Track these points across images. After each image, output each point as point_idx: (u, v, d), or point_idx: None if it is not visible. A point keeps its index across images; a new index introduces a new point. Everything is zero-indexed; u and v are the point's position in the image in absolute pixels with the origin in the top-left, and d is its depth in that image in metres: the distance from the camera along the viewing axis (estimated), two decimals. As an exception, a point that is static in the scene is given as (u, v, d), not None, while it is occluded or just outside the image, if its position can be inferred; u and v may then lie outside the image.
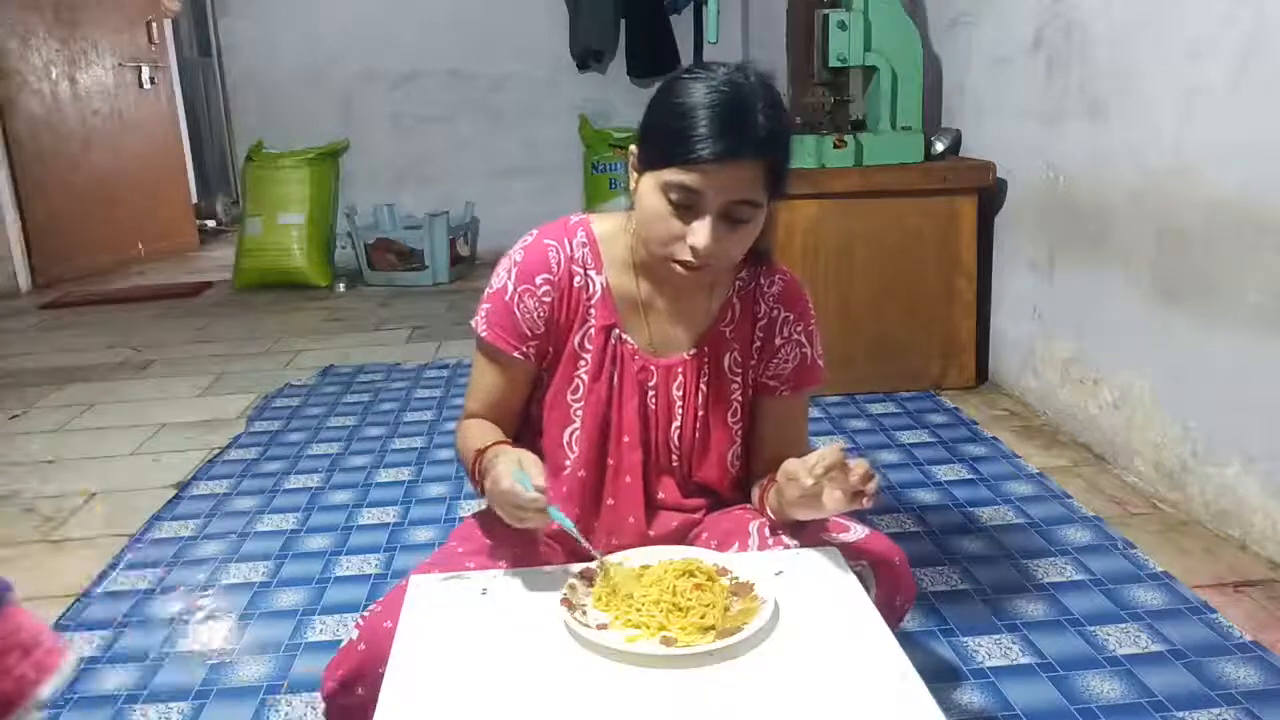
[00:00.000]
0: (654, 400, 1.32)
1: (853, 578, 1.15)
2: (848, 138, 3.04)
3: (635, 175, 1.23)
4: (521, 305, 1.29)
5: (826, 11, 3.03)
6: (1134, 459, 2.46)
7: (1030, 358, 2.99)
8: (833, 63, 3.02)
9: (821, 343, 1.42)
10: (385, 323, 4.44)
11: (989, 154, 3.10)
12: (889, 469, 2.56)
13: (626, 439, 1.31)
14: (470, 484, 1.29)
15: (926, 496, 2.39)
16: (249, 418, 3.16)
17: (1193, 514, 2.23)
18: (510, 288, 1.29)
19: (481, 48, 5.57)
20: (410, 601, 1.14)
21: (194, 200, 7.27)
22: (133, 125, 6.18)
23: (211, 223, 7.54)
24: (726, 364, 1.34)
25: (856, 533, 1.25)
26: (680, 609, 1.06)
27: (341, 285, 5.20)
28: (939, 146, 3.16)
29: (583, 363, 1.31)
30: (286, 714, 1.64)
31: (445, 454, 2.75)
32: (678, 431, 1.33)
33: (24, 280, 5.41)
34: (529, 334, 1.30)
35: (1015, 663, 1.70)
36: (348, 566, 2.14)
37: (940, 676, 1.65)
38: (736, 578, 1.12)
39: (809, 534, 1.24)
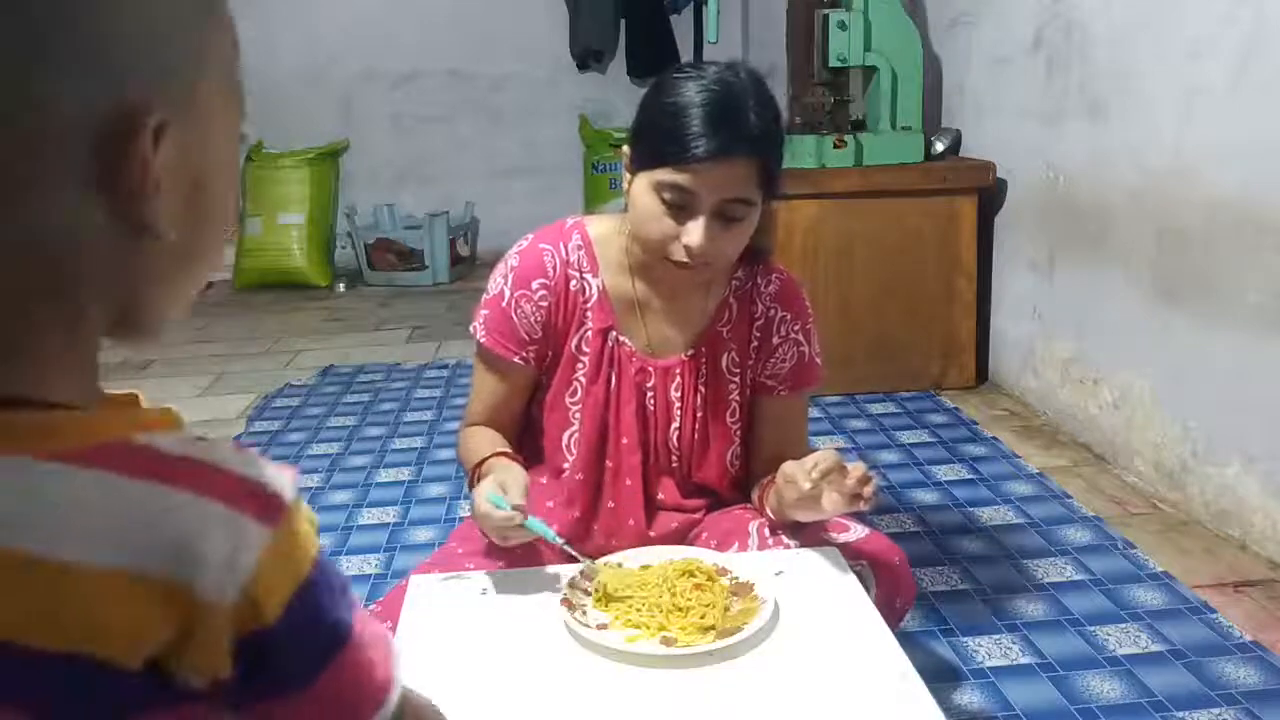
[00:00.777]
0: (652, 401, 1.32)
1: (853, 578, 1.15)
2: (848, 138, 3.04)
3: (628, 176, 1.23)
4: (519, 310, 1.29)
5: (826, 11, 3.03)
6: (1134, 459, 2.46)
7: (1030, 358, 2.99)
8: (833, 63, 3.02)
9: (820, 341, 1.41)
10: (385, 323, 4.44)
11: (989, 154, 3.10)
12: (889, 469, 2.56)
13: (625, 441, 1.31)
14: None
15: (926, 496, 2.39)
16: (249, 418, 3.16)
17: (1193, 514, 2.23)
18: (507, 293, 1.30)
19: (481, 48, 5.57)
20: (410, 601, 1.14)
21: (194, 200, 7.27)
22: (133, 125, 6.18)
23: (211, 223, 7.54)
24: (724, 364, 1.34)
25: (856, 533, 1.25)
26: (680, 609, 1.06)
27: (341, 285, 5.20)
28: (939, 146, 3.16)
29: (580, 366, 1.31)
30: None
31: (445, 454, 2.75)
32: (676, 432, 1.33)
33: (24, 280, 5.41)
34: (527, 339, 1.30)
35: (1015, 663, 1.70)
36: (348, 566, 2.14)
37: (940, 676, 1.65)
38: (736, 578, 1.13)
39: (809, 534, 1.24)
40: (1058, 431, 2.80)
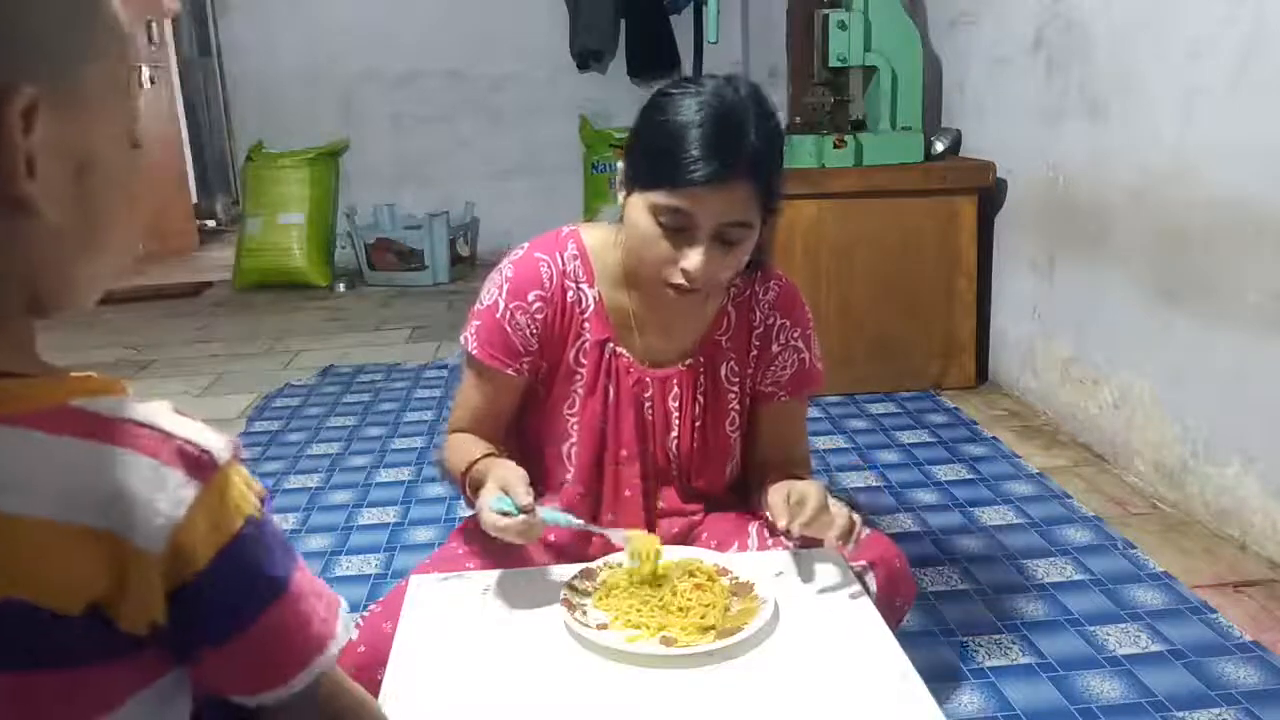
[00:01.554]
0: (651, 412, 1.31)
1: (853, 578, 1.15)
2: (848, 138, 3.04)
3: (623, 192, 1.20)
4: (514, 322, 1.26)
5: (826, 11, 3.03)
6: (1134, 459, 2.46)
7: (1030, 358, 2.99)
8: (833, 63, 3.02)
9: (820, 344, 1.40)
10: (385, 323, 4.44)
11: (989, 154, 3.10)
12: (889, 469, 2.56)
13: (624, 453, 1.30)
14: (464, 499, 1.28)
15: (926, 496, 2.39)
16: (249, 418, 3.16)
17: (1193, 514, 2.23)
18: (501, 304, 1.26)
19: (481, 48, 5.57)
20: (410, 601, 1.14)
21: (194, 200, 7.27)
22: (133, 125, 6.18)
23: (211, 223, 7.54)
24: (723, 373, 1.32)
25: None
26: (680, 609, 1.06)
27: (341, 285, 5.20)
28: (939, 146, 3.16)
29: (578, 377, 1.29)
30: (286, 714, 1.63)
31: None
32: (675, 442, 1.31)
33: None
34: (522, 350, 1.27)
35: (1015, 663, 1.70)
36: (348, 566, 2.14)
37: (940, 676, 1.65)
38: (736, 578, 1.13)
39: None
40: (1058, 431, 2.80)
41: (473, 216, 5.54)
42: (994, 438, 2.75)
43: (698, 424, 1.32)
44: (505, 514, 1.08)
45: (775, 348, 1.33)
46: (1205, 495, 2.20)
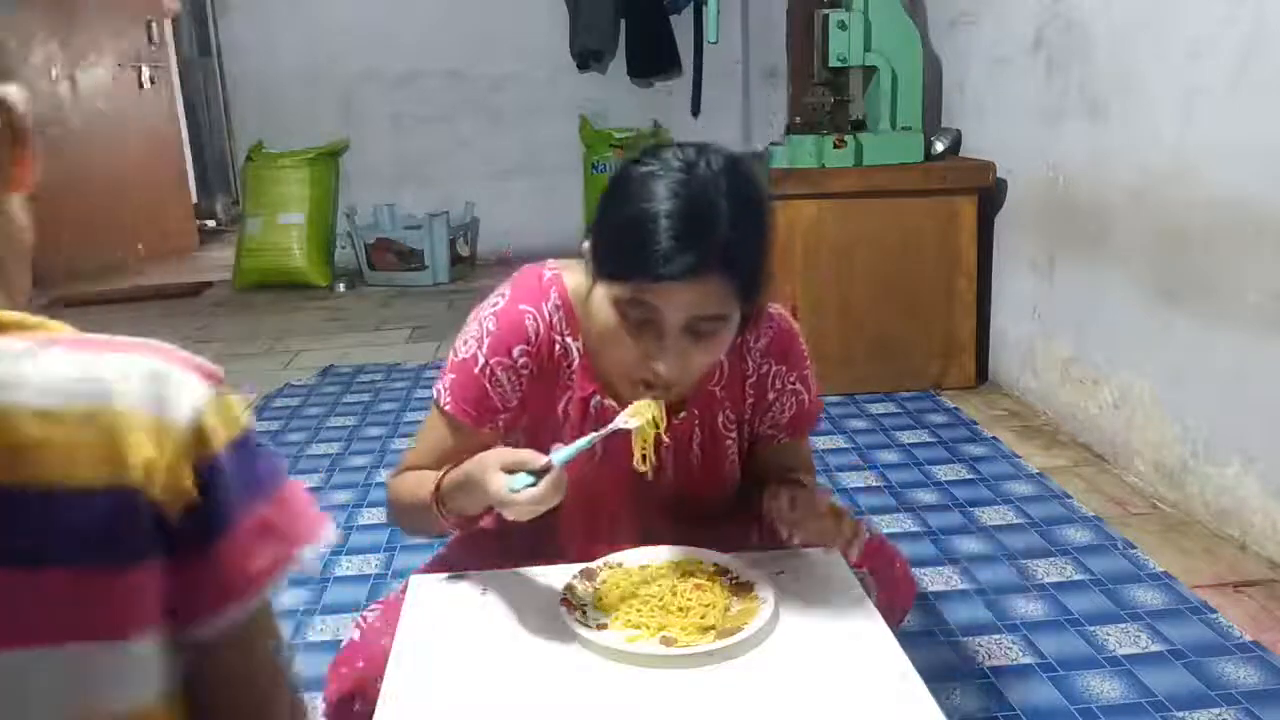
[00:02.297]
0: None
1: (853, 578, 1.15)
2: (848, 138, 3.04)
3: (589, 275, 1.12)
4: (493, 379, 1.18)
5: (826, 11, 3.03)
6: (1134, 459, 2.46)
7: (1030, 358, 2.99)
8: (833, 63, 3.02)
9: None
10: (385, 323, 4.44)
11: (989, 154, 3.10)
12: (889, 469, 2.56)
13: (614, 509, 1.24)
14: (436, 524, 1.17)
15: (926, 496, 2.39)
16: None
17: (1193, 514, 2.23)
18: (481, 359, 1.18)
19: (481, 48, 5.57)
20: (410, 601, 1.14)
21: (194, 200, 7.27)
22: (133, 125, 6.18)
23: (211, 223, 7.54)
24: (720, 422, 1.27)
25: None
26: (680, 609, 1.06)
27: (341, 285, 5.20)
28: (939, 146, 3.16)
29: (565, 430, 1.23)
30: (286, 714, 1.63)
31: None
32: (670, 486, 1.27)
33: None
34: (500, 407, 1.19)
35: (1015, 663, 1.70)
36: (348, 566, 2.14)
37: (940, 676, 1.65)
38: (736, 578, 1.13)
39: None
40: (1058, 431, 2.80)
41: (473, 216, 5.54)
42: (994, 438, 2.75)
43: (694, 472, 1.28)
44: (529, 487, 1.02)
45: (771, 395, 1.27)
46: (1205, 495, 2.20)
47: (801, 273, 3.04)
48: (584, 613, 1.07)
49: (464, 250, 5.44)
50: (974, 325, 3.14)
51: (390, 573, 2.10)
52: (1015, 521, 2.24)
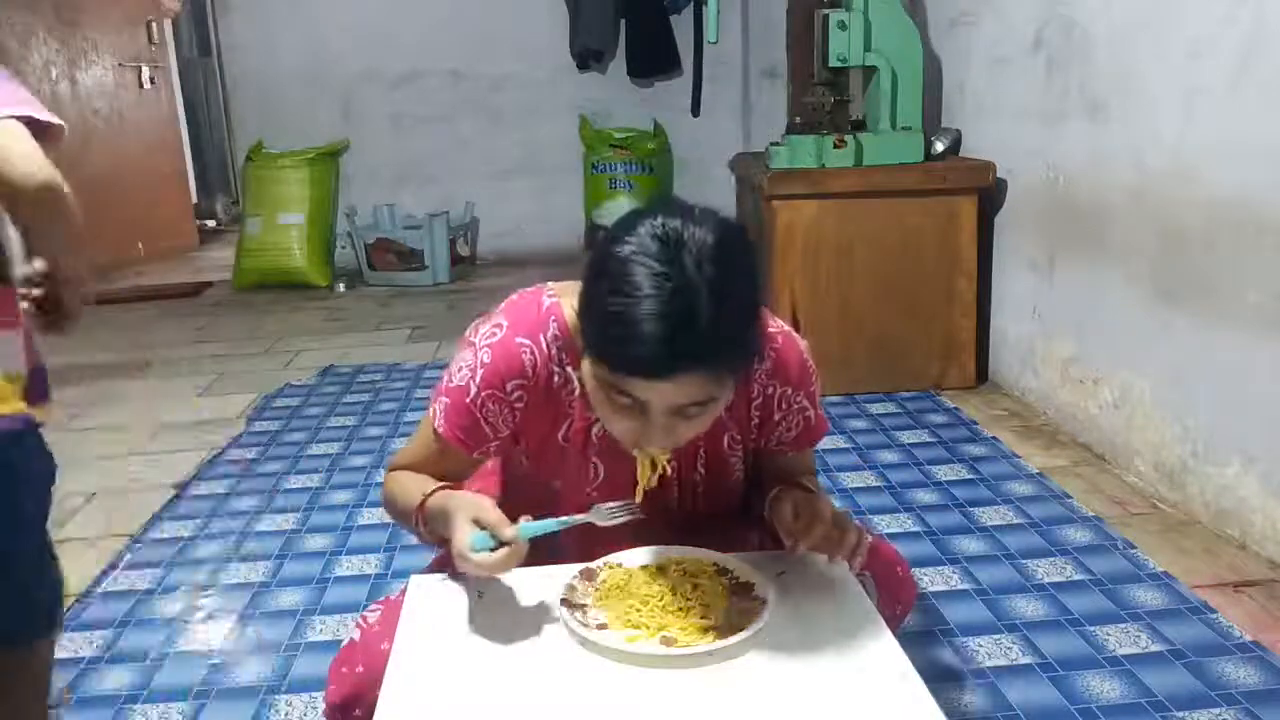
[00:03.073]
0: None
1: (853, 578, 1.15)
2: (848, 138, 3.04)
3: (579, 338, 1.10)
4: (485, 410, 1.18)
5: (826, 11, 3.03)
6: (1134, 459, 2.46)
7: (1030, 358, 2.99)
8: (833, 63, 3.02)
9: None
10: (385, 323, 4.44)
11: (989, 154, 3.10)
12: (889, 469, 2.56)
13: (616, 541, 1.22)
14: (416, 535, 1.21)
15: (926, 496, 2.39)
16: (249, 418, 3.16)
17: (1193, 514, 2.23)
18: (473, 390, 1.17)
19: (481, 48, 5.57)
20: (410, 601, 1.14)
21: (194, 200, 7.27)
22: (133, 125, 6.18)
23: (211, 223, 7.54)
24: (725, 442, 1.26)
25: None
26: (680, 609, 1.06)
27: (341, 285, 5.20)
28: (939, 146, 3.16)
29: (566, 456, 1.23)
30: (286, 714, 1.64)
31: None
32: (675, 501, 1.27)
33: (24, 280, 5.41)
34: (491, 436, 1.20)
35: (1015, 663, 1.70)
36: (348, 566, 2.14)
37: (940, 676, 1.65)
38: (736, 578, 1.13)
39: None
40: (1058, 431, 2.80)
41: (473, 216, 5.55)
42: (994, 438, 2.75)
43: (698, 490, 1.28)
44: (491, 549, 1.04)
45: (777, 415, 1.26)
46: (1205, 495, 2.20)
47: (801, 273, 3.04)
48: (584, 613, 1.07)
49: (464, 250, 5.44)
50: (974, 325, 3.14)
51: (390, 573, 2.10)
52: (1015, 521, 2.24)
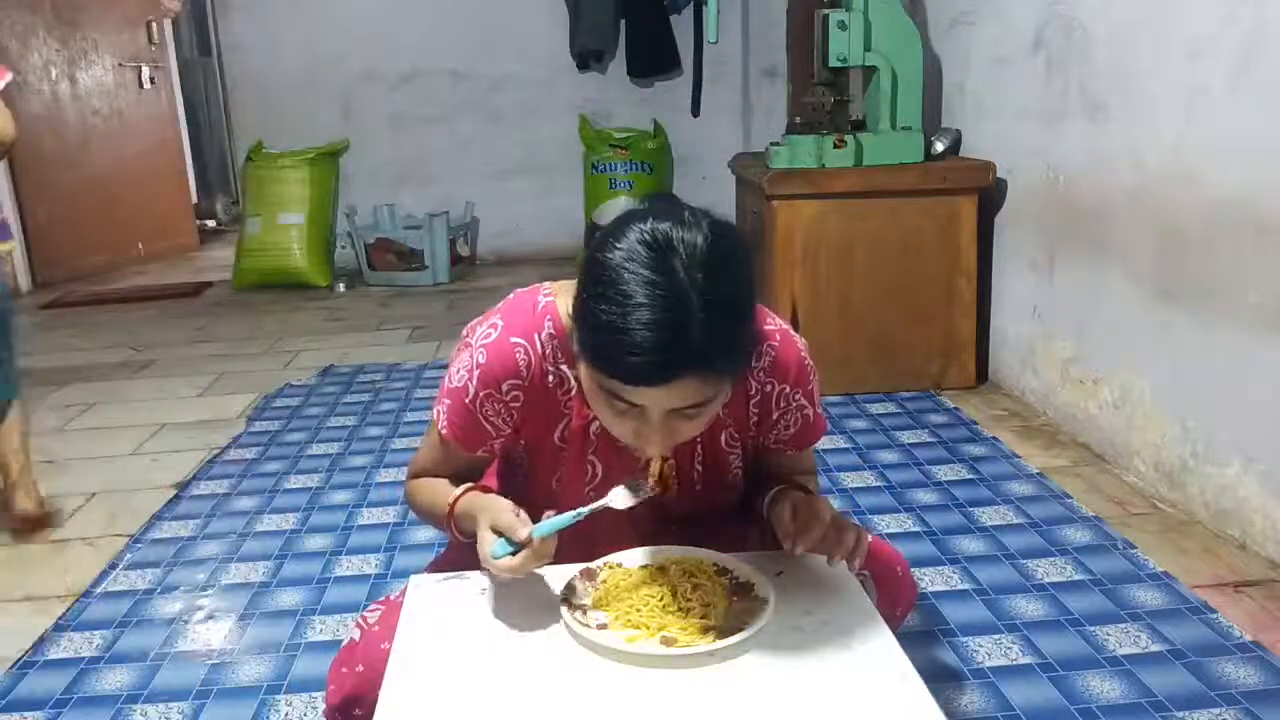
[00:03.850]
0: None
1: (853, 578, 1.15)
2: (848, 138, 3.04)
3: (574, 339, 1.09)
4: (484, 410, 1.19)
5: (826, 11, 3.03)
6: (1134, 459, 2.46)
7: (1030, 358, 2.99)
8: (833, 63, 3.02)
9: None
10: (385, 323, 4.44)
11: (989, 154, 3.10)
12: (889, 469, 2.56)
13: (616, 521, 1.20)
14: (449, 535, 1.23)
15: (926, 496, 2.39)
16: (249, 418, 3.16)
17: (1193, 514, 2.23)
18: (471, 390, 1.18)
19: (481, 48, 5.57)
20: (410, 601, 1.14)
21: (194, 200, 7.27)
22: (133, 125, 6.18)
23: (211, 223, 7.54)
24: (723, 440, 1.26)
25: None
26: (680, 609, 1.06)
27: (341, 285, 5.20)
28: (939, 146, 3.16)
29: (563, 455, 1.24)
30: (286, 714, 1.64)
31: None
32: (674, 500, 1.27)
33: (24, 280, 5.42)
34: (493, 434, 1.22)
35: (1015, 663, 1.70)
36: (348, 566, 2.14)
37: (940, 676, 1.65)
38: (736, 578, 1.13)
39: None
40: (1058, 431, 2.80)
41: (473, 216, 5.55)
42: (994, 438, 2.75)
43: (697, 487, 1.28)
44: (511, 553, 1.05)
45: (775, 414, 1.25)
46: (1205, 495, 2.20)
47: (801, 273, 3.04)
48: (584, 613, 1.07)
49: (464, 250, 5.44)
50: (974, 325, 3.14)
51: (390, 573, 2.10)
52: (1015, 521, 2.24)
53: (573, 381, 1.19)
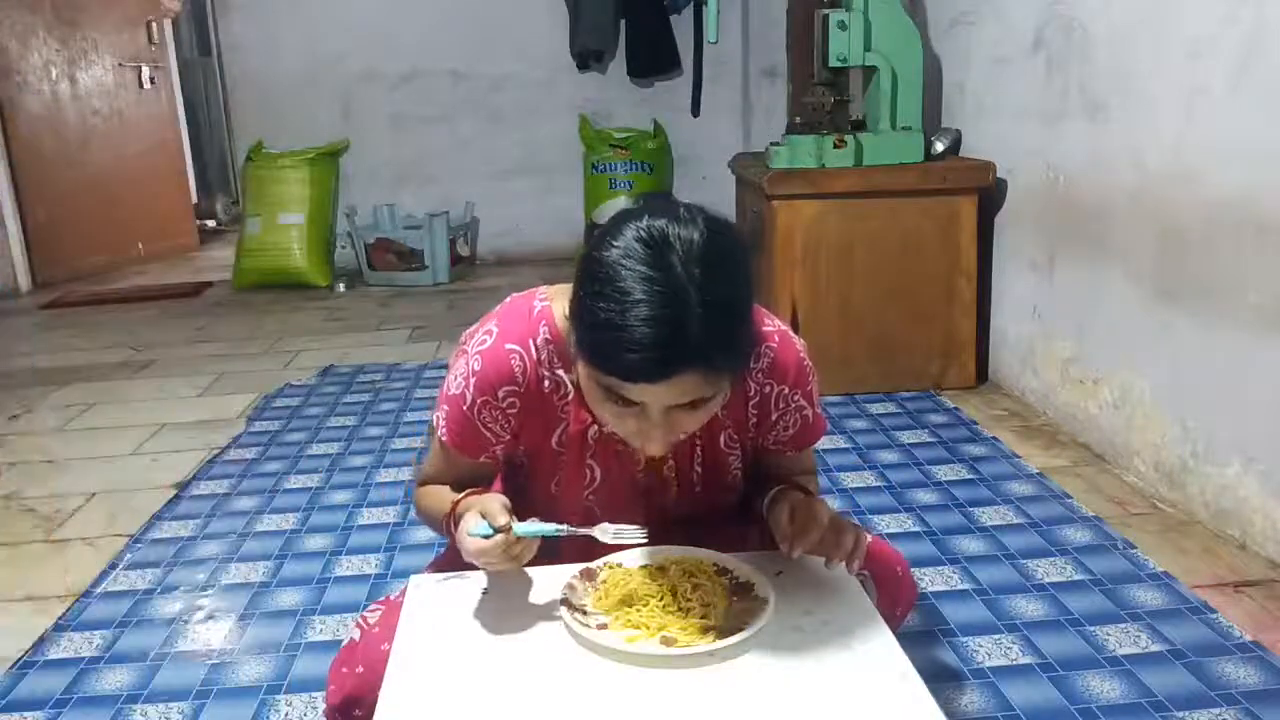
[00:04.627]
0: (644, 482, 1.26)
1: (853, 578, 1.15)
2: (848, 138, 3.04)
3: (570, 342, 1.09)
4: (482, 416, 1.19)
5: (826, 11, 3.03)
6: (1134, 459, 2.46)
7: (1030, 358, 2.99)
8: (833, 63, 3.02)
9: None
10: (385, 323, 4.44)
11: (989, 154, 3.10)
12: (889, 469, 2.56)
13: (615, 521, 1.21)
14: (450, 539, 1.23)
15: (926, 496, 2.39)
16: (249, 418, 3.16)
17: (1193, 514, 2.23)
18: (469, 397, 1.18)
19: (481, 48, 5.57)
20: (410, 601, 1.14)
21: (194, 200, 7.27)
22: (133, 125, 6.18)
23: (211, 223, 7.54)
24: (722, 441, 1.26)
25: None
26: (680, 609, 1.06)
27: (341, 285, 5.20)
28: (939, 146, 3.16)
29: (562, 460, 1.24)
30: (286, 714, 1.64)
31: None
32: (674, 500, 1.27)
33: (24, 280, 5.42)
34: (493, 440, 1.21)
35: (1015, 663, 1.70)
36: (348, 566, 2.14)
37: (940, 676, 1.65)
38: (736, 578, 1.13)
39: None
40: (1058, 431, 2.80)
41: (473, 216, 5.55)
42: (994, 438, 2.75)
43: (697, 488, 1.28)
44: (485, 537, 1.05)
45: (774, 415, 1.25)
46: (1205, 495, 2.20)
47: (801, 273, 3.04)
48: (584, 613, 1.07)
49: (464, 250, 5.44)
50: (974, 325, 3.14)
51: (390, 573, 2.10)
52: (1015, 521, 2.24)
53: (569, 386, 1.19)
